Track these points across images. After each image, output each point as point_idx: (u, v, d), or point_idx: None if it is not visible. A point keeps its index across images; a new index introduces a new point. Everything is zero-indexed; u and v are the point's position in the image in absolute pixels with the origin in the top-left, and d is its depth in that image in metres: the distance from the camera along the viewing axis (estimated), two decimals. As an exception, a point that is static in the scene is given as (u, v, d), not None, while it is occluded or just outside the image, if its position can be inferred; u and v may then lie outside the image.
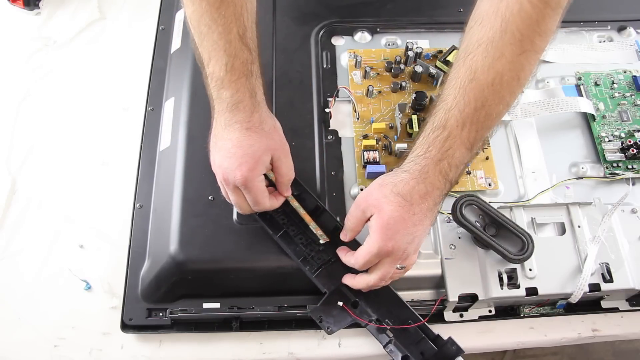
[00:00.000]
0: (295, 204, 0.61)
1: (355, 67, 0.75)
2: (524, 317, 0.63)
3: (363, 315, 0.59)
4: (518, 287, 0.59)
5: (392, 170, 0.56)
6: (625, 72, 0.75)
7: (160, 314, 0.61)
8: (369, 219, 0.54)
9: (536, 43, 0.49)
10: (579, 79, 0.74)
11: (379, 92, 0.73)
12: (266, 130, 0.57)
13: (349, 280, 0.58)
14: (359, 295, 0.59)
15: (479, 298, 0.58)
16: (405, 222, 0.52)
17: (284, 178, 0.59)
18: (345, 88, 0.72)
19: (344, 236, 0.58)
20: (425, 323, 0.58)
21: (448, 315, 0.62)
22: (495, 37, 0.49)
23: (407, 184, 0.52)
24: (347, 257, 0.58)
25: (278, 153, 0.58)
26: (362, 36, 0.78)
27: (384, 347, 0.58)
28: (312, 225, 0.60)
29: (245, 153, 0.55)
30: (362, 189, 0.65)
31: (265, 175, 0.58)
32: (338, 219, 0.63)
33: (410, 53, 0.73)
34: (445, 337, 0.57)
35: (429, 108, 0.70)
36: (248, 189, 0.56)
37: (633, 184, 0.67)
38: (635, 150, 0.67)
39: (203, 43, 0.55)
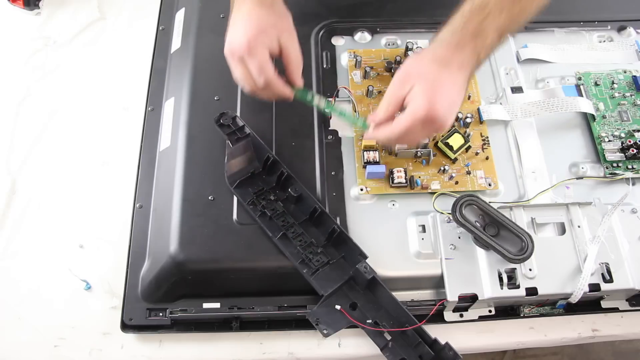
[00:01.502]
0: (321, 104, 0.60)
1: (355, 67, 0.75)
2: (524, 317, 0.63)
3: (361, 317, 0.59)
4: (518, 287, 0.59)
5: None
6: (625, 72, 0.75)
7: (160, 314, 0.61)
8: (407, 94, 0.54)
9: None
10: (579, 79, 0.74)
11: (379, 92, 0.72)
12: (276, 11, 0.59)
13: (372, 132, 0.58)
14: (357, 297, 0.59)
15: (479, 298, 0.58)
16: (449, 89, 0.53)
17: (293, 63, 0.60)
18: (345, 88, 0.72)
19: (373, 117, 0.57)
20: (422, 326, 0.58)
21: (448, 315, 0.62)
22: None
23: (445, 52, 0.55)
24: (379, 129, 0.57)
25: (286, 36, 0.59)
26: (362, 36, 0.78)
27: (382, 350, 0.58)
28: (344, 113, 0.61)
29: (252, 22, 0.57)
30: (362, 189, 0.65)
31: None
32: (338, 220, 0.63)
33: (410, 53, 0.73)
34: (445, 337, 0.57)
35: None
36: (251, 55, 0.56)
37: (633, 184, 0.67)
38: (635, 150, 0.67)
39: None
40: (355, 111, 0.71)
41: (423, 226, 0.63)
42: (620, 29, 0.80)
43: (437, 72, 0.54)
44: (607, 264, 0.60)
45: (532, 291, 0.58)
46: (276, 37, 0.58)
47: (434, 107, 0.53)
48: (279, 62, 0.61)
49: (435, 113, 0.53)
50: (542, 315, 0.63)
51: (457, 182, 0.66)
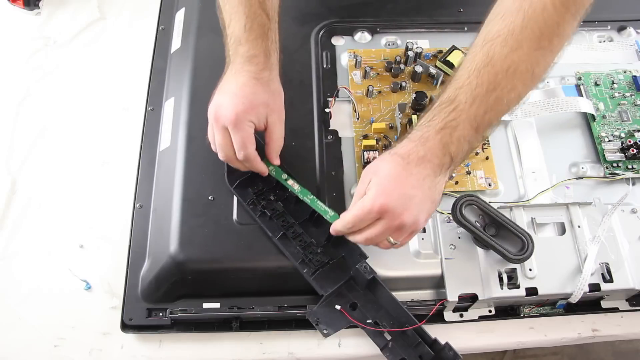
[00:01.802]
0: (294, 186, 0.61)
1: (355, 67, 0.75)
2: (524, 317, 0.63)
3: (361, 317, 0.59)
4: (518, 287, 0.59)
5: None
6: (625, 72, 0.75)
7: (160, 314, 0.61)
8: (366, 188, 0.53)
9: (554, 43, 0.52)
10: (579, 79, 0.74)
11: (379, 92, 0.73)
12: (271, 89, 0.59)
13: (333, 227, 0.56)
14: (357, 297, 0.59)
15: (479, 298, 0.58)
16: (401, 181, 0.51)
17: (275, 143, 0.60)
18: (345, 88, 0.73)
19: (344, 213, 0.56)
20: (422, 326, 0.58)
21: (448, 315, 0.62)
22: (516, 30, 0.51)
23: (405, 146, 0.53)
24: (335, 222, 0.56)
25: (274, 116, 0.59)
26: (362, 36, 0.78)
27: (382, 350, 0.58)
28: (316, 202, 0.60)
29: (244, 96, 0.57)
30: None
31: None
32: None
33: (410, 53, 0.74)
34: (445, 337, 0.57)
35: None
36: (237, 129, 0.57)
37: (633, 184, 0.67)
38: (635, 150, 0.67)
39: (225, 7, 0.59)
40: (355, 111, 0.71)
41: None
42: (620, 29, 0.80)
43: (392, 166, 0.52)
44: (607, 264, 0.60)
45: (532, 291, 0.58)
46: (265, 115, 0.58)
47: (381, 198, 0.51)
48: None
49: (384, 205, 0.51)
50: (542, 315, 0.63)
51: (457, 182, 0.66)
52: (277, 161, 0.61)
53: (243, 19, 0.58)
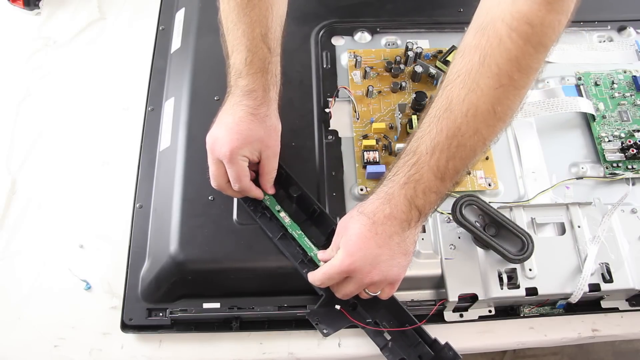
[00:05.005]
0: (285, 219, 0.62)
1: (355, 67, 0.75)
2: (524, 317, 0.63)
3: (360, 317, 0.59)
4: (518, 287, 0.59)
5: None
6: (625, 72, 0.75)
7: (160, 314, 0.61)
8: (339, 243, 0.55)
9: (515, 79, 0.48)
10: (579, 79, 0.74)
11: (379, 92, 0.73)
12: (267, 125, 0.59)
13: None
14: (356, 297, 0.59)
15: (479, 298, 0.58)
16: (367, 241, 0.52)
17: (267, 175, 0.61)
18: (345, 88, 0.73)
19: (323, 255, 0.58)
20: (422, 326, 0.58)
21: (448, 315, 0.62)
22: (473, 70, 0.48)
23: (372, 204, 0.53)
24: (310, 274, 0.57)
25: (268, 151, 0.60)
26: (362, 36, 0.78)
27: (381, 350, 0.58)
28: (303, 238, 0.61)
29: (240, 132, 0.58)
30: (362, 189, 0.65)
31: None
32: (338, 220, 0.62)
33: (410, 53, 0.74)
34: (445, 337, 0.57)
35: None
36: (231, 163, 0.58)
37: (633, 184, 0.67)
38: (635, 150, 0.67)
39: (228, 37, 0.60)
40: (355, 111, 0.71)
41: (423, 226, 0.63)
42: (620, 29, 0.80)
43: (359, 226, 0.52)
44: (607, 264, 0.60)
45: (532, 291, 0.58)
46: (258, 150, 0.59)
47: (348, 259, 0.52)
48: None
49: (351, 265, 0.52)
50: (542, 315, 0.63)
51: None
52: (271, 191, 0.62)
53: (244, 52, 0.58)
